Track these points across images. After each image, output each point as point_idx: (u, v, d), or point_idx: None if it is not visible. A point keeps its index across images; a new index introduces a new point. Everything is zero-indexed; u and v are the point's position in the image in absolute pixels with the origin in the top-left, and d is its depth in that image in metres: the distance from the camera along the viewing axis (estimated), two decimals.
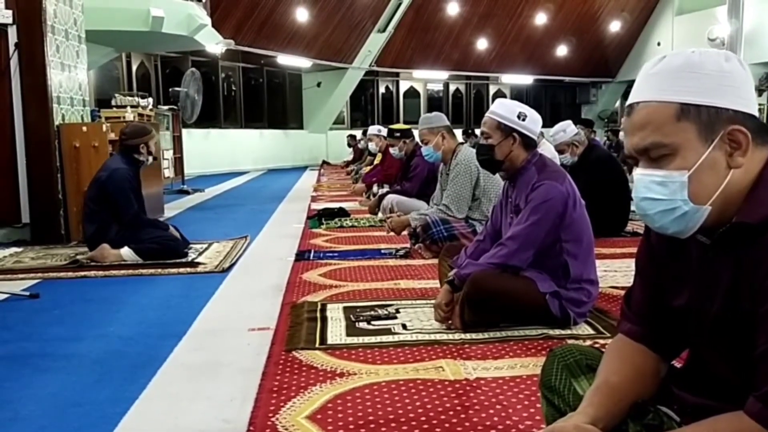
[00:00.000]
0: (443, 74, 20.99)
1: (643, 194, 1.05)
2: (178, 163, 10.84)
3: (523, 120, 2.80)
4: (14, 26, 5.23)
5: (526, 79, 22.19)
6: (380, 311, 3.04)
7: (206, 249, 4.85)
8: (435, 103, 21.36)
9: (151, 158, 4.66)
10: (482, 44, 20.56)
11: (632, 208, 5.21)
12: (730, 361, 1.05)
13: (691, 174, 1.01)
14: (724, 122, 1.00)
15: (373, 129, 9.09)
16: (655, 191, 1.03)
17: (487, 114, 2.90)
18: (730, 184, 1.01)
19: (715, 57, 1.02)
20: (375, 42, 18.60)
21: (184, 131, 11.70)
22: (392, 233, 5.03)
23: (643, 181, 1.05)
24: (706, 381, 1.11)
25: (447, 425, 1.86)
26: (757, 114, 1.03)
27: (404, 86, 21.19)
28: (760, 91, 16.63)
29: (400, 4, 18.18)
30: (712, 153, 1.01)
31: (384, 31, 18.52)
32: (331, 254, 4.60)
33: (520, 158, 2.81)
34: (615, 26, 21.13)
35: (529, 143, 2.82)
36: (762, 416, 0.93)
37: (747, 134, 1.00)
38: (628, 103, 1.09)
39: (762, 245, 0.98)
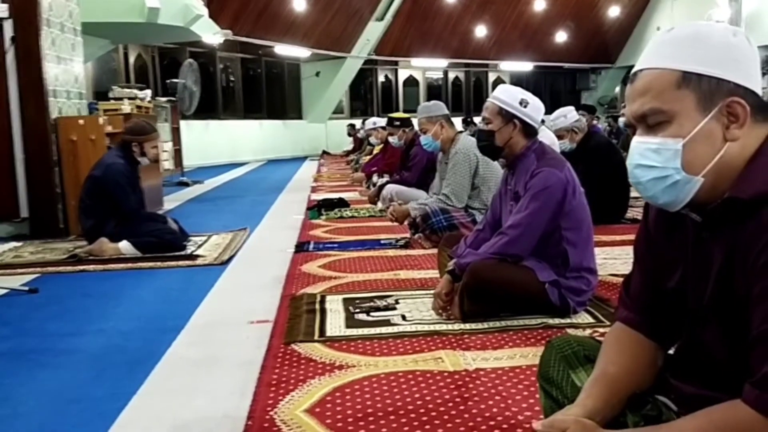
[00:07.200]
0: (442, 62, 20.90)
1: (637, 161, 1.05)
2: (177, 154, 10.80)
3: (525, 107, 2.78)
4: (10, 20, 5.19)
5: (525, 66, 22.10)
6: (379, 302, 3.03)
7: (205, 241, 4.84)
8: (434, 91, 21.28)
9: (145, 159, 4.58)
10: (481, 31, 20.47)
11: (632, 194, 5.20)
12: (727, 345, 1.03)
13: (686, 142, 1.00)
14: (724, 94, 1.00)
15: (369, 123, 9.04)
16: (649, 158, 1.03)
17: (488, 99, 2.88)
18: (724, 158, 1.00)
19: (723, 30, 1.03)
20: (373, 31, 18.51)
21: (183, 123, 11.64)
22: (395, 222, 5.02)
23: (639, 148, 1.05)
24: (704, 369, 1.09)
25: (446, 416, 1.85)
26: (760, 92, 1.02)
27: (403, 75, 21.11)
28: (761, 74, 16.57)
29: None
30: (708, 123, 1.00)
31: (382, 19, 18.42)
32: (330, 245, 4.59)
33: (520, 145, 2.79)
34: (614, 11, 21.03)
35: (530, 131, 2.80)
36: (759, 402, 0.91)
37: (746, 107, 1.00)
38: (633, 70, 1.08)
39: (753, 223, 0.96)
